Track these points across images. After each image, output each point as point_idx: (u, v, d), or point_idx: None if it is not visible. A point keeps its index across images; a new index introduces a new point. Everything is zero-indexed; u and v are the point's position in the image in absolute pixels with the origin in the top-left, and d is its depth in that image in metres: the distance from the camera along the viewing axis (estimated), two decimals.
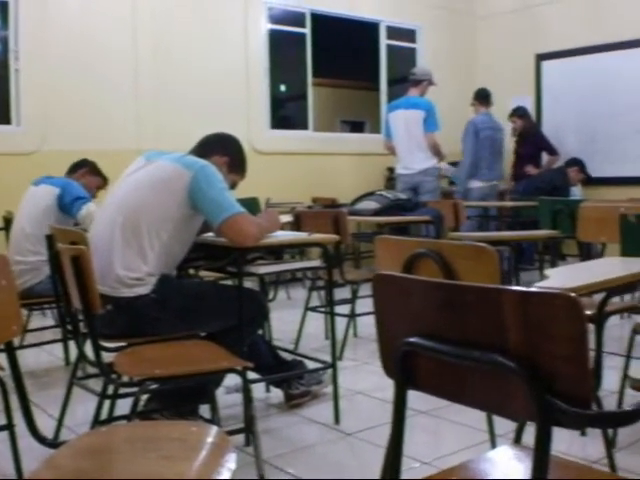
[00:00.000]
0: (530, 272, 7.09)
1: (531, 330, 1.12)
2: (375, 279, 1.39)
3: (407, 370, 1.35)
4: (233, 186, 3.28)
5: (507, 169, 8.28)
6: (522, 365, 1.11)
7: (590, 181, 7.93)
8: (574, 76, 8.67)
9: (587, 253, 4.49)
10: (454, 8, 9.37)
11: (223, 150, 3.25)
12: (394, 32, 8.94)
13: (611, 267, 2.10)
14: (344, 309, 4.71)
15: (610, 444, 2.75)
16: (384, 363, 1.44)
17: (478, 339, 1.20)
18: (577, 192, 8.03)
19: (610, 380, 3.17)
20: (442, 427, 3.26)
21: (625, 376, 2.76)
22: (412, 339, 1.29)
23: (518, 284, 3.97)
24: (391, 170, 8.10)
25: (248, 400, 2.74)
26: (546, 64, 8.98)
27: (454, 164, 8.39)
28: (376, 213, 5.04)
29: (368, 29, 8.84)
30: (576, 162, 7.86)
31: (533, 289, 1.11)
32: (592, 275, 1.93)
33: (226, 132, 3.40)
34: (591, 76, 8.48)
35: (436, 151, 7.21)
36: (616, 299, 3.71)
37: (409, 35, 9.14)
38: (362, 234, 6.80)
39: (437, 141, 7.19)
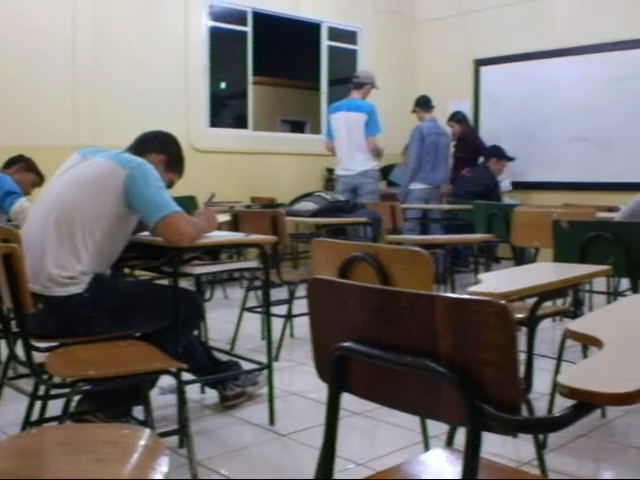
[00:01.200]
0: (466, 274, 7.20)
1: (462, 336, 1.13)
2: (310, 284, 1.39)
3: (340, 374, 1.35)
4: (170, 185, 3.24)
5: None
6: (452, 370, 1.12)
7: (520, 187, 8.03)
8: (512, 82, 8.82)
9: (521, 257, 4.58)
10: (395, 12, 9.45)
11: (160, 148, 3.21)
12: (336, 33, 8.97)
13: (543, 272, 2.14)
14: (281, 309, 4.71)
15: (541, 446, 2.81)
16: (318, 367, 1.44)
17: (411, 344, 1.21)
18: (507, 187, 8.14)
19: (542, 382, 3.24)
20: (377, 428, 3.28)
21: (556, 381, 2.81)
22: (345, 344, 1.30)
23: (453, 287, 4.02)
24: (330, 171, 8.13)
25: (182, 402, 2.71)
26: (484, 69, 9.12)
27: (393, 167, 8.47)
28: (314, 214, 5.05)
29: (310, 29, 8.85)
30: (492, 152, 7.76)
31: (464, 296, 1.12)
32: (524, 280, 1.96)
33: (164, 130, 3.36)
34: (528, 82, 8.64)
35: (376, 154, 7.27)
36: (550, 302, 3.80)
37: (350, 37, 9.19)
38: (300, 235, 6.81)
39: (378, 144, 7.25)
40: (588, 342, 1.30)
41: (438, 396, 1.20)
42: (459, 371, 1.12)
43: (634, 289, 2.80)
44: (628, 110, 7.87)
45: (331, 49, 8.94)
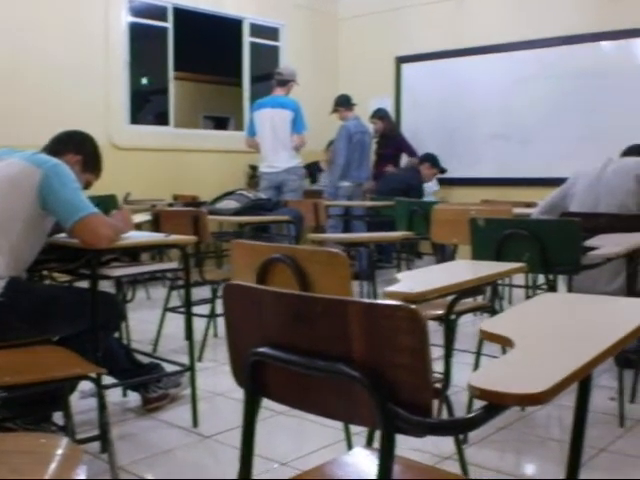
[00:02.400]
0: (390, 270, 7.26)
1: (375, 340, 1.14)
2: (225, 289, 1.38)
3: (257, 379, 1.35)
4: (87, 186, 3.18)
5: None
6: (365, 375, 1.13)
7: (443, 172, 8.15)
8: (433, 79, 8.94)
9: (441, 253, 4.64)
10: (316, 8, 9.47)
11: (76, 148, 3.15)
12: (257, 30, 8.94)
13: (460, 271, 2.17)
14: (204, 309, 4.67)
15: (463, 440, 2.86)
16: (234, 372, 1.44)
17: (326, 349, 1.21)
18: (432, 188, 8.26)
19: (464, 377, 3.28)
20: (301, 427, 3.28)
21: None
22: (261, 349, 1.29)
23: (374, 284, 4.05)
24: (254, 168, 8.09)
25: (102, 407, 2.67)
26: (406, 66, 9.21)
27: (315, 164, 8.50)
28: (236, 213, 5.02)
29: (232, 25, 8.80)
30: (428, 158, 7.98)
31: (377, 301, 1.13)
32: (441, 279, 1.99)
33: (80, 130, 3.29)
34: (450, 79, 8.77)
35: (298, 150, 7.30)
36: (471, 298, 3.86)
37: (272, 33, 9.17)
38: (223, 233, 6.76)
39: (305, 141, 7.29)
40: (500, 342, 1.32)
41: (353, 400, 1.21)
42: (372, 375, 1.13)
43: (549, 285, 2.88)
44: (546, 107, 8.06)
45: (253, 45, 8.91)
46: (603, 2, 7.61)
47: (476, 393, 1.05)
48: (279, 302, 1.29)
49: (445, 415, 2.26)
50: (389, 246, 7.55)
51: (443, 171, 8.03)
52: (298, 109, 7.23)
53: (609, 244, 2.85)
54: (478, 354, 3.10)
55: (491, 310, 3.15)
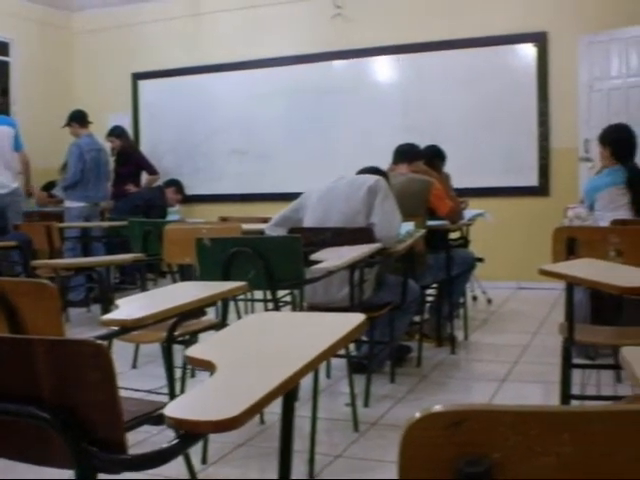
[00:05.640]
0: (133, 291, 7.10)
1: (64, 379, 1.09)
2: None
3: None
4: None
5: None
6: (56, 415, 1.08)
7: (187, 200, 8.18)
8: (173, 95, 8.90)
9: (182, 272, 4.61)
10: (50, 22, 9.09)
11: None
12: None
13: (182, 293, 2.15)
14: None
15: (202, 460, 2.86)
16: None
17: (15, 391, 1.14)
18: (175, 211, 8.24)
19: None
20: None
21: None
22: None
23: (107, 310, 3.93)
24: None
25: None
26: (144, 83, 9.10)
27: (52, 183, 8.15)
28: None
29: None
30: (173, 183, 8.09)
31: (63, 338, 1.09)
32: (161, 303, 1.96)
33: None
34: (190, 96, 8.78)
35: (26, 169, 6.95)
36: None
37: (2, 48, 8.65)
38: None
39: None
40: (204, 367, 1.32)
41: (48, 442, 1.16)
42: (62, 415, 1.08)
43: (273, 301, 2.95)
44: (283, 124, 8.32)
45: None
46: (335, 23, 7.97)
47: (171, 423, 1.03)
48: None
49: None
50: (131, 267, 7.39)
51: (185, 198, 8.10)
52: (17, 125, 6.91)
53: (332, 257, 2.96)
54: (183, 379, 3.08)
55: (222, 327, 3.16)
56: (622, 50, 6.85)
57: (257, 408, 1.08)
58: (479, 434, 0.64)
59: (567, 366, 2.91)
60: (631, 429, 0.67)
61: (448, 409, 0.65)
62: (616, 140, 4.58)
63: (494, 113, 7.44)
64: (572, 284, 2.77)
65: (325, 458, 3.00)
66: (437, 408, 0.66)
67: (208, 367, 1.31)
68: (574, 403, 3.16)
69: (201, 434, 1.09)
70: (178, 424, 1.04)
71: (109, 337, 2.14)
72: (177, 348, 2.75)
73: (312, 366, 1.28)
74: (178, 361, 2.67)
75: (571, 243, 2.95)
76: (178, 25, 8.81)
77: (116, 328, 1.96)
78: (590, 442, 0.65)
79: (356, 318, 1.52)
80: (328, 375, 4.20)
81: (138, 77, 9.09)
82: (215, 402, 1.13)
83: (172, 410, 1.05)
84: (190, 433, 1.08)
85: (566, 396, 2.93)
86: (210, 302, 2.02)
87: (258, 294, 5.10)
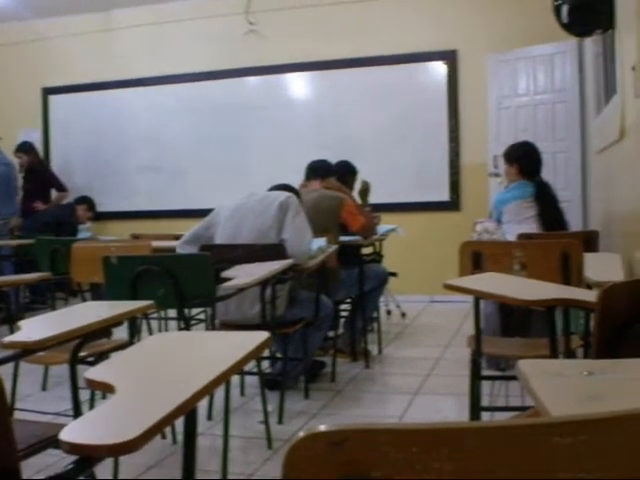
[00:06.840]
0: (44, 311, 6.92)
1: None
2: None
3: None
4: None
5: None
6: None
7: (99, 218, 8.05)
8: (84, 111, 8.75)
9: (93, 291, 4.52)
10: None
11: None
12: None
13: (87, 313, 2.12)
14: None
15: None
16: None
17: None
18: (86, 229, 8.08)
19: None
20: None
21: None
22: None
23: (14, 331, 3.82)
24: None
25: None
26: (54, 98, 8.92)
27: None
28: None
29: None
30: (84, 200, 7.95)
31: None
32: (64, 324, 1.93)
33: None
34: (100, 111, 8.64)
35: None
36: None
37: None
38: None
39: None
40: (102, 389, 1.30)
41: None
42: None
43: (183, 319, 2.92)
44: (194, 139, 8.28)
45: None
46: (248, 39, 7.97)
47: (66, 448, 1.01)
48: None
49: None
50: (41, 286, 7.21)
51: (97, 215, 8.03)
52: None
53: (243, 274, 2.96)
54: (92, 400, 3.03)
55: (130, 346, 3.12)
56: (529, 68, 7.06)
57: (155, 430, 1.07)
58: (360, 453, 0.65)
59: (475, 378, 2.97)
60: (510, 445, 0.69)
61: (330, 429, 0.66)
62: (523, 157, 4.71)
63: (406, 129, 7.57)
64: (478, 298, 2.83)
65: (238, 477, 2.98)
66: (320, 428, 0.67)
67: (107, 389, 1.29)
68: (484, 414, 3.22)
69: (99, 457, 1.07)
70: (73, 449, 1.02)
71: (12, 359, 2.09)
72: (86, 369, 2.70)
73: (212, 387, 1.28)
74: None
75: (477, 257, 3.01)
76: (90, 40, 8.67)
77: (19, 350, 1.92)
78: (469, 458, 0.66)
79: (260, 336, 1.52)
80: (242, 393, 4.18)
81: (49, 92, 8.91)
82: (111, 425, 1.11)
83: (67, 434, 1.03)
84: (86, 457, 1.06)
85: (475, 408, 2.99)
86: (115, 322, 1.98)
87: (172, 312, 5.04)
